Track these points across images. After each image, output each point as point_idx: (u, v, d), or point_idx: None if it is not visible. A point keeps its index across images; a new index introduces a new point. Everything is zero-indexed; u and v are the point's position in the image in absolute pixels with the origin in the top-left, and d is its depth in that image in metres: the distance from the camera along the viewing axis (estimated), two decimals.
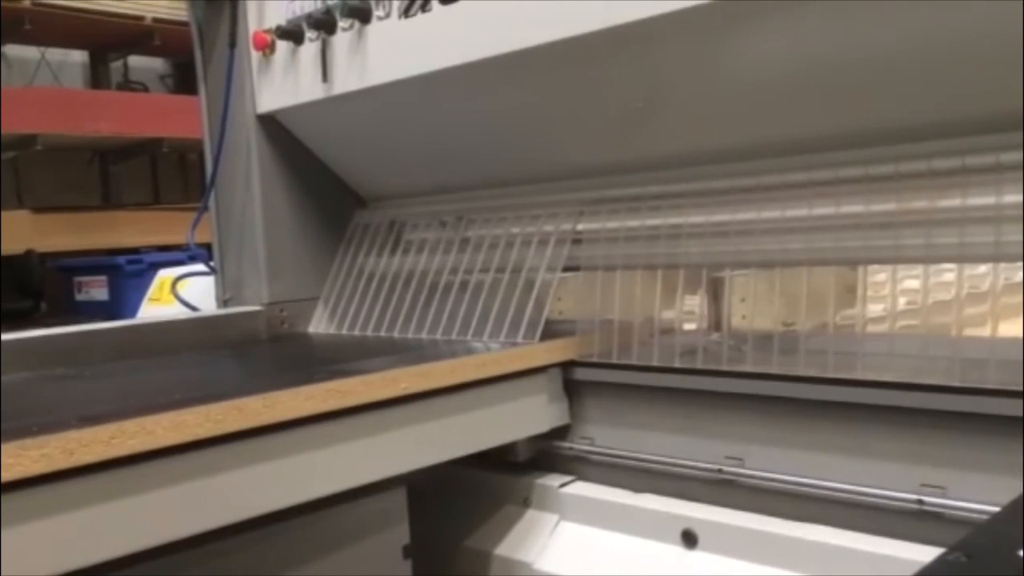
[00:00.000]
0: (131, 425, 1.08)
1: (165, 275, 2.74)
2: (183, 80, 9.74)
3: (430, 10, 1.55)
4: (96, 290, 7.31)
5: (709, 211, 1.52)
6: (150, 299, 2.71)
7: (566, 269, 1.69)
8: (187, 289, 2.13)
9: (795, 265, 1.42)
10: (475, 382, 1.47)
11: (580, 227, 1.69)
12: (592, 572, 1.47)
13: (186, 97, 8.78)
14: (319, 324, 1.99)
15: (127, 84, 9.41)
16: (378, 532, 1.41)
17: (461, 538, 1.62)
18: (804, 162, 1.41)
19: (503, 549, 1.59)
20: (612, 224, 1.64)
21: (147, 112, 8.40)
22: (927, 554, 1.19)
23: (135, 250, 8.07)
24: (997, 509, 1.07)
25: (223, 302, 2.02)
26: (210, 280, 2.10)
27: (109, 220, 8.30)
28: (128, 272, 7.16)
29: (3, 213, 7.78)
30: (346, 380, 1.29)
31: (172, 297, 2.60)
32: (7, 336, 1.64)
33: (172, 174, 9.62)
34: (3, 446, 0.98)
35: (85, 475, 1.06)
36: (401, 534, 1.44)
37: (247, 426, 1.19)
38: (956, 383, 1.21)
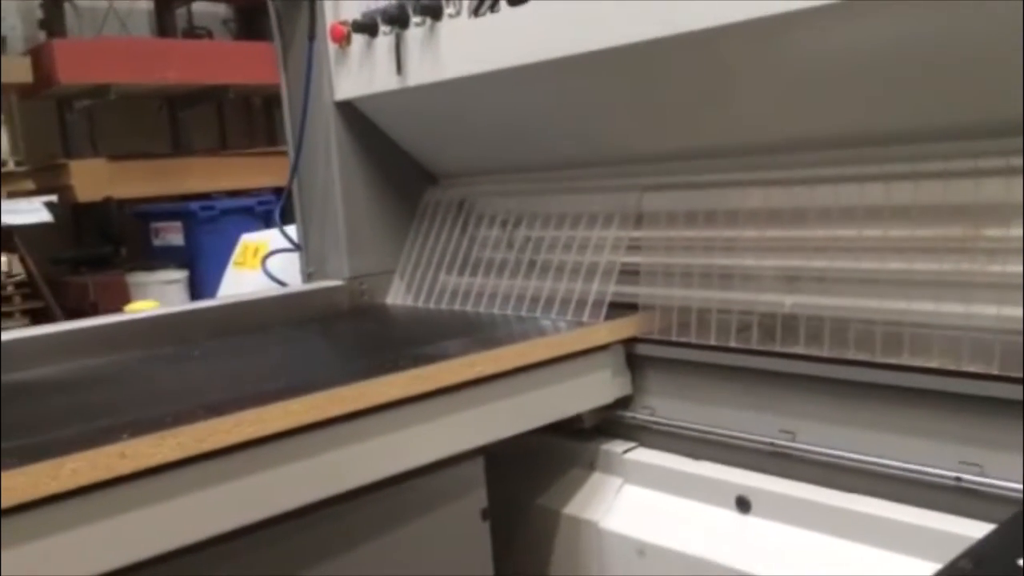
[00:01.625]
0: (249, 415, 1.24)
1: (248, 240, 2.90)
2: (246, 25, 9.87)
3: (498, 11, 1.63)
4: (172, 236, 7.60)
5: (764, 198, 1.60)
6: (235, 263, 2.87)
7: (629, 249, 1.79)
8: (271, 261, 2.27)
9: (845, 251, 1.50)
10: (544, 361, 1.60)
11: (642, 209, 1.78)
12: (652, 531, 1.61)
13: (250, 43, 8.93)
14: (396, 296, 2.13)
15: (192, 30, 9.57)
16: (459, 498, 1.57)
17: (533, 498, 1.78)
18: (857, 155, 1.48)
19: (571, 508, 1.74)
20: (672, 207, 1.73)
21: (213, 59, 8.56)
22: (963, 526, 1.31)
23: (206, 195, 8.34)
24: None
25: (307, 276, 2.17)
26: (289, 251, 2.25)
27: (180, 167, 8.56)
28: (202, 219, 7.43)
29: (81, 161, 8.09)
30: (426, 368, 1.43)
31: (256, 262, 2.78)
32: (134, 315, 1.80)
33: (237, 120, 9.82)
34: (148, 437, 1.14)
35: (211, 459, 1.22)
36: (479, 499, 1.59)
37: (342, 412, 1.34)
38: (994, 371, 1.30)
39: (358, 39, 1.91)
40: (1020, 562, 0.71)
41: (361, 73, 1.94)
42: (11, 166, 7.81)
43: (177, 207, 7.72)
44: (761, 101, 1.50)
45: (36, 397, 1.49)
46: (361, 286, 2.10)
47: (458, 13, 1.71)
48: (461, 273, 2.06)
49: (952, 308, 1.35)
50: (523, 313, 1.84)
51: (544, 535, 1.75)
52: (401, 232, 2.16)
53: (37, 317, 7.28)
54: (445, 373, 1.47)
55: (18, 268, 7.70)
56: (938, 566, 0.99)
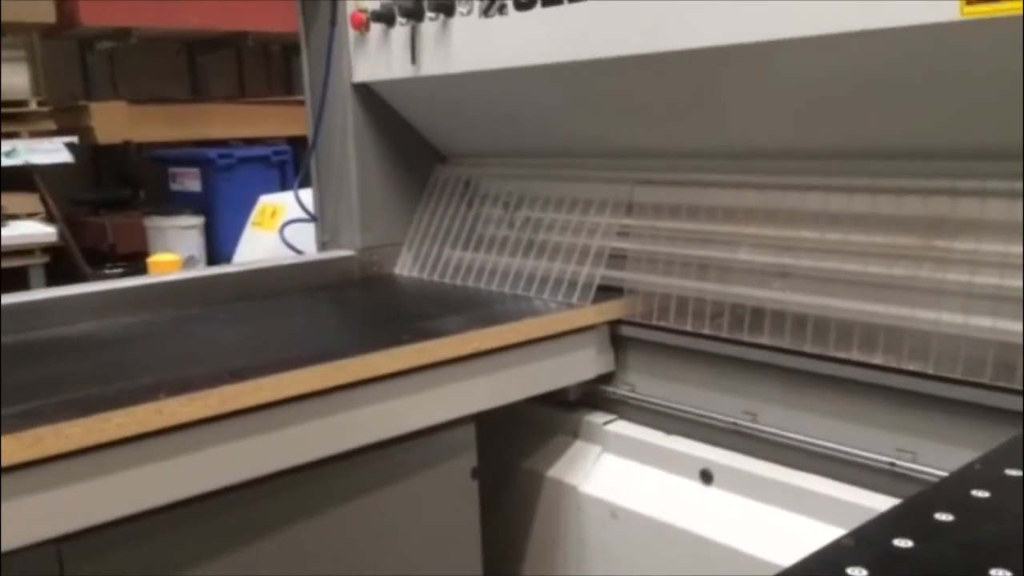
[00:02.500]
0: (268, 381, 1.41)
1: (266, 201, 3.06)
2: None
3: (506, 14, 1.77)
4: (190, 181, 7.75)
5: (741, 198, 1.75)
6: (253, 223, 3.04)
7: (618, 235, 1.94)
8: (288, 229, 2.43)
9: (808, 252, 1.65)
10: (535, 339, 1.76)
11: (633, 200, 1.93)
12: (625, 496, 1.79)
13: None
14: (403, 267, 2.29)
15: None
16: (451, 458, 1.75)
17: (520, 461, 1.96)
18: (826, 167, 1.62)
19: (554, 472, 1.91)
20: (660, 200, 1.88)
21: (233, 6, 8.63)
22: (890, 504, 1.47)
23: (223, 142, 8.47)
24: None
25: (321, 244, 2.33)
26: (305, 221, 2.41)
27: (199, 112, 8.68)
28: (219, 166, 7.57)
29: (102, 103, 8.22)
30: (427, 343, 1.60)
31: (273, 223, 2.94)
32: (165, 277, 1.97)
33: (256, 67, 9.90)
34: (181, 397, 1.32)
35: (233, 417, 1.40)
36: (470, 459, 1.77)
37: (350, 380, 1.51)
38: (930, 370, 1.46)
39: (376, 27, 2.05)
40: (895, 542, 0.88)
41: (378, 58, 2.08)
42: (33, 106, 7.95)
43: (195, 153, 7.85)
44: (743, 113, 1.64)
45: (81, 353, 1.67)
46: (372, 256, 2.26)
47: (469, 12, 1.84)
48: (464, 248, 2.22)
49: (897, 311, 1.50)
50: (519, 291, 2.00)
51: (528, 495, 1.93)
52: (410, 207, 2.32)
53: (56, 256, 7.46)
54: (444, 348, 1.63)
55: (38, 207, 7.88)
56: None
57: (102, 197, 8.32)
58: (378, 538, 1.67)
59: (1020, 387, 1.36)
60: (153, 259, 3.29)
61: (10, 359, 1.60)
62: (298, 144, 9.37)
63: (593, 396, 1.94)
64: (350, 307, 2.09)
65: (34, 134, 7.77)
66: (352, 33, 2.11)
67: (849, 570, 0.84)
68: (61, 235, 7.72)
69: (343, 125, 2.20)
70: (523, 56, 1.77)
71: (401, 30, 2.00)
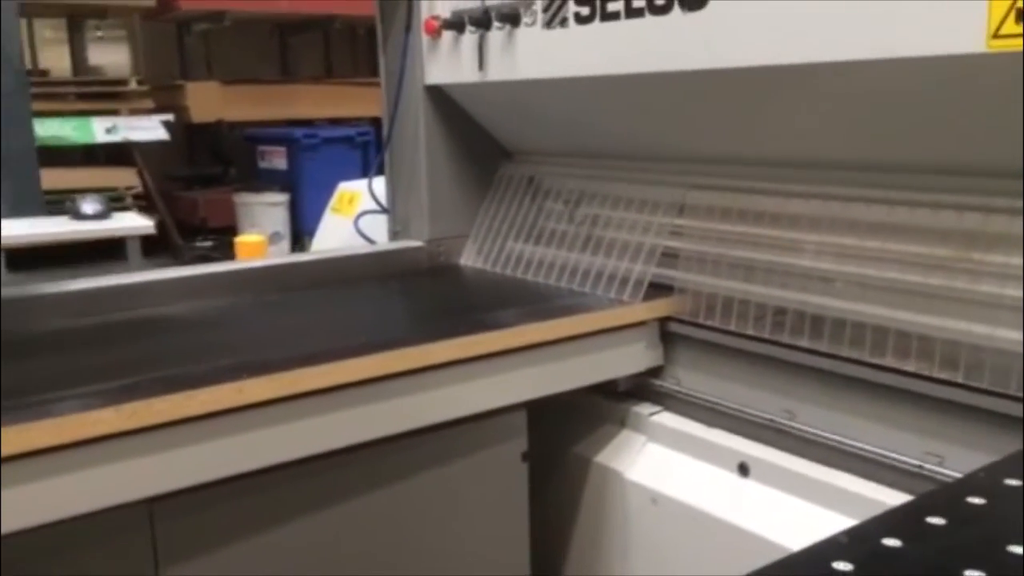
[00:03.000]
0: (336, 366, 1.56)
1: (345, 188, 3.23)
2: None
3: (567, 26, 1.87)
4: (277, 159, 8.06)
5: (786, 205, 1.82)
6: (332, 208, 3.21)
7: (670, 234, 2.03)
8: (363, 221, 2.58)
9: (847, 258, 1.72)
10: (587, 333, 1.88)
11: (685, 202, 2.02)
12: (666, 484, 1.89)
13: None
14: (468, 258, 2.43)
15: None
16: (504, 442, 1.88)
17: (569, 447, 2.08)
18: (869, 179, 1.68)
19: (601, 458, 2.03)
20: (711, 203, 1.96)
21: None
22: None
23: (309, 122, 8.76)
24: None
25: (393, 234, 2.48)
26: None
27: (287, 93, 8.98)
28: (304, 145, 7.85)
29: (196, 83, 8.57)
30: (485, 335, 1.73)
31: (351, 210, 3.11)
32: (249, 264, 2.14)
33: (343, 49, 10.15)
34: (259, 378, 1.47)
35: (303, 398, 1.55)
36: (521, 444, 1.89)
37: (411, 367, 1.65)
38: (959, 379, 1.52)
39: (447, 34, 2.17)
40: (884, 541, 0.97)
41: (449, 63, 2.21)
42: (133, 85, 8.35)
43: (282, 132, 8.15)
44: (791, 126, 1.72)
45: (173, 333, 1.85)
46: (439, 247, 2.40)
47: (533, 23, 1.95)
48: (527, 241, 2.34)
49: (930, 320, 1.57)
50: (575, 286, 2.11)
51: (576, 479, 2.05)
52: (476, 200, 2.44)
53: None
54: (501, 339, 1.76)
55: (135, 181, 8.29)
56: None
57: (195, 173, 8.71)
58: (433, 513, 1.82)
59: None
60: (240, 239, 3.49)
61: (111, 337, 1.79)
62: (381, 125, 9.62)
63: (641, 388, 2.04)
64: (417, 296, 2.24)
65: (133, 112, 8.17)
66: (425, 38, 2.24)
67: (836, 564, 0.93)
68: (160, 219, 8.11)
69: (415, 123, 2.34)
70: (582, 67, 1.87)
71: (471, 37, 2.12)
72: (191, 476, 1.47)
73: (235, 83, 8.66)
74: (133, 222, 3.42)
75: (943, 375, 1.55)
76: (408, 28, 2.24)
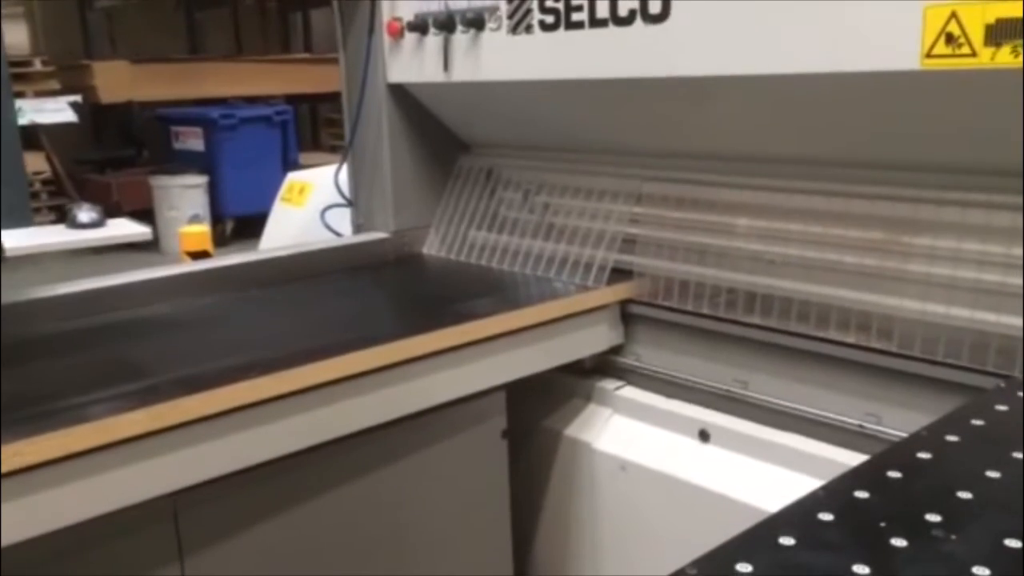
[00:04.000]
0: (327, 364, 1.67)
1: (294, 179, 3.30)
2: None
3: (532, 33, 2.01)
4: (192, 141, 7.93)
5: (736, 194, 2.00)
6: (283, 199, 3.27)
7: (629, 222, 2.20)
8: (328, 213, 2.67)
9: (792, 242, 1.92)
10: (557, 318, 2.04)
11: (642, 192, 2.19)
12: (633, 452, 2.08)
13: None
14: (431, 247, 2.55)
15: None
16: (485, 421, 2.03)
17: (540, 422, 2.24)
18: (810, 172, 1.88)
19: (571, 431, 2.20)
20: (666, 193, 2.14)
21: None
22: (860, 460, 1.76)
23: (222, 100, 8.62)
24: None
25: (356, 227, 2.59)
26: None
27: (198, 71, 8.82)
28: (222, 126, 7.75)
29: (105, 63, 8.34)
30: (467, 325, 1.87)
31: (302, 200, 3.19)
32: (231, 260, 2.22)
33: (252, 24, 10.00)
34: (268, 376, 1.58)
35: (307, 392, 1.66)
36: (501, 422, 2.05)
37: (403, 358, 1.78)
38: (894, 348, 1.74)
39: (410, 36, 2.28)
40: (856, 494, 1.16)
41: (412, 63, 2.31)
42: (37, 65, 8.07)
43: (198, 112, 8.02)
44: (736, 126, 1.90)
45: (169, 332, 1.93)
46: (403, 238, 2.52)
47: (498, 28, 2.08)
48: (487, 230, 2.48)
49: (867, 297, 1.78)
50: (539, 273, 2.26)
51: (547, 452, 2.22)
52: (437, 192, 2.57)
53: (62, 214, 7.66)
54: (481, 328, 1.90)
55: (44, 166, 8.04)
56: None
57: (106, 156, 8.50)
58: (424, 489, 1.96)
59: (966, 364, 1.64)
60: (184, 229, 3.52)
61: (109, 339, 1.86)
62: (297, 102, 9.56)
63: (605, 365, 2.22)
64: (392, 288, 2.36)
65: (38, 94, 7.91)
66: (387, 40, 2.34)
67: (821, 515, 1.12)
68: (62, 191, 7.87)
69: (378, 120, 2.44)
70: (546, 71, 2.01)
71: (434, 39, 2.23)
72: (210, 470, 1.57)
73: (144, 62, 8.46)
74: (128, 229, 3.46)
75: (879, 345, 1.76)
76: (371, 30, 2.33)
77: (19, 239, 2.65)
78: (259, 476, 1.66)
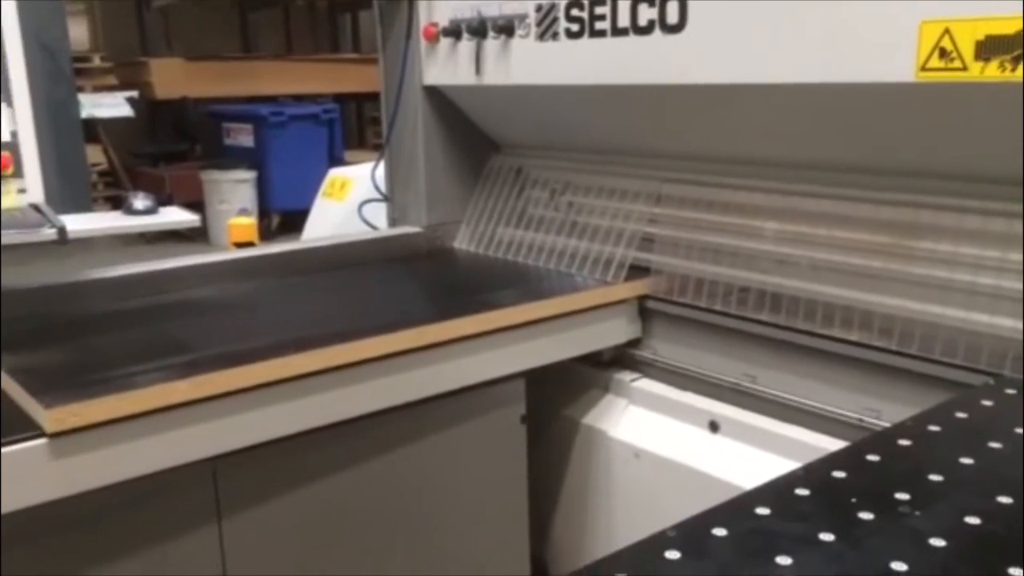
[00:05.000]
0: (368, 342, 1.80)
1: (336, 175, 3.45)
2: None
3: (559, 40, 2.12)
4: (243, 137, 8.16)
5: (750, 197, 2.10)
6: (324, 194, 3.42)
7: (648, 221, 2.30)
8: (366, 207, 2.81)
9: (800, 244, 2.00)
10: (577, 310, 2.15)
11: (661, 193, 2.29)
12: (646, 440, 2.18)
13: None
14: (462, 242, 2.68)
15: None
16: (505, 406, 2.14)
17: (558, 410, 2.35)
18: (822, 178, 1.96)
19: (588, 419, 2.31)
20: (684, 194, 2.24)
21: None
22: None
23: (273, 98, 8.85)
24: None
25: (391, 221, 2.72)
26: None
27: (250, 69, 9.06)
28: (272, 123, 7.97)
29: (160, 60, 8.61)
30: (491, 313, 1.99)
31: (343, 195, 3.33)
32: (273, 248, 2.37)
33: (302, 25, 10.23)
34: (303, 354, 1.71)
35: (339, 370, 1.79)
36: (520, 408, 2.16)
37: (422, 343, 1.90)
38: (894, 347, 1.82)
39: (445, 40, 2.40)
40: (833, 473, 1.25)
41: (446, 66, 2.44)
42: (96, 61, 8.37)
43: (248, 110, 8.25)
44: (752, 132, 1.99)
45: (215, 314, 2.08)
46: (436, 232, 2.65)
47: (527, 35, 2.19)
48: (516, 226, 2.60)
49: (869, 297, 1.86)
50: (562, 268, 2.37)
51: (564, 439, 2.33)
52: (468, 189, 2.69)
53: (117, 204, 7.94)
54: (504, 317, 2.02)
55: (101, 158, 8.34)
56: None
57: (160, 150, 8.77)
58: (445, 467, 2.08)
59: (961, 362, 1.72)
60: (233, 221, 3.69)
61: (156, 318, 2.01)
62: (345, 101, 9.77)
63: (622, 357, 2.32)
64: (423, 278, 2.48)
65: (96, 89, 8.21)
66: (424, 43, 2.47)
67: (797, 491, 1.22)
68: (117, 183, 8.14)
69: (414, 120, 2.58)
70: (571, 76, 2.12)
71: (467, 44, 2.35)
72: (247, 438, 1.71)
73: (199, 59, 8.72)
74: (179, 216, 3.66)
75: (880, 343, 1.85)
76: (408, 35, 2.46)
77: (79, 223, 2.83)
78: (293, 447, 1.79)
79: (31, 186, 2.60)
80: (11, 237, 2.52)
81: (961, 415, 1.47)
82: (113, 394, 1.52)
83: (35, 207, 2.65)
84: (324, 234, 3.18)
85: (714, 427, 2.11)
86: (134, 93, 8.09)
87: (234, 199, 7.74)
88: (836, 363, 1.92)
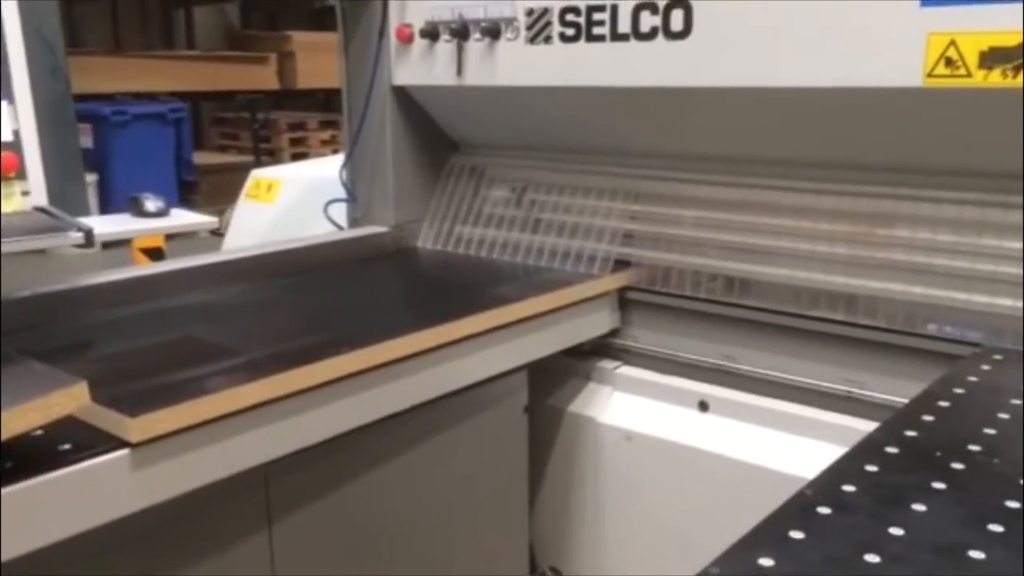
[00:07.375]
0: (376, 348, 1.80)
1: (259, 176, 3.36)
2: None
3: (551, 43, 2.21)
4: (82, 137, 7.64)
5: (723, 192, 2.27)
6: (248, 195, 3.32)
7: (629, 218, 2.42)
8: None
9: (772, 234, 2.19)
10: (573, 303, 2.25)
11: (639, 191, 2.42)
12: (637, 423, 2.31)
13: None
14: (424, 241, 2.70)
15: None
16: (509, 397, 2.21)
17: (543, 399, 2.44)
18: (784, 172, 2.16)
19: (574, 407, 2.41)
20: (661, 192, 2.38)
21: None
22: (849, 421, 2.05)
23: (109, 96, 8.34)
24: (893, 399, 1.92)
25: (353, 220, 2.71)
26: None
27: (80, 65, 8.47)
28: (114, 123, 7.52)
29: None
30: (497, 310, 2.04)
31: (270, 196, 3.26)
32: (251, 252, 2.31)
33: (131, 18, 9.68)
34: (330, 360, 1.71)
35: (349, 379, 1.79)
36: (522, 399, 2.24)
37: (436, 343, 1.93)
38: (872, 322, 2.04)
39: (421, 41, 2.43)
40: (843, 487, 1.35)
41: (420, 67, 2.47)
42: None
43: (87, 108, 7.74)
44: (724, 131, 2.16)
45: (219, 317, 2.02)
46: (401, 232, 2.66)
47: (516, 38, 2.27)
48: (475, 225, 2.66)
49: (850, 280, 2.07)
50: (542, 264, 2.46)
51: (552, 427, 2.42)
52: (430, 189, 2.72)
53: None
54: (512, 312, 2.09)
55: None
56: (832, 447, 1.71)
57: None
58: (457, 461, 2.13)
59: (937, 334, 1.96)
60: (139, 242, 3.51)
61: (161, 323, 1.94)
62: (191, 100, 9.33)
63: (605, 346, 2.44)
64: (414, 277, 2.51)
65: None
66: (395, 44, 2.49)
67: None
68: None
69: (381, 121, 2.58)
70: (563, 79, 2.22)
71: (445, 46, 2.39)
72: (299, 441, 1.69)
73: None
74: (192, 219, 3.41)
75: (864, 321, 2.06)
76: (381, 34, 2.47)
77: (95, 227, 2.63)
78: (331, 449, 1.77)
79: (35, 188, 2.38)
80: (32, 242, 2.30)
81: (972, 379, 1.70)
82: (188, 400, 1.47)
83: (42, 210, 2.42)
84: (255, 237, 3.10)
85: (704, 407, 2.26)
86: None
87: None
88: (818, 340, 2.12)
